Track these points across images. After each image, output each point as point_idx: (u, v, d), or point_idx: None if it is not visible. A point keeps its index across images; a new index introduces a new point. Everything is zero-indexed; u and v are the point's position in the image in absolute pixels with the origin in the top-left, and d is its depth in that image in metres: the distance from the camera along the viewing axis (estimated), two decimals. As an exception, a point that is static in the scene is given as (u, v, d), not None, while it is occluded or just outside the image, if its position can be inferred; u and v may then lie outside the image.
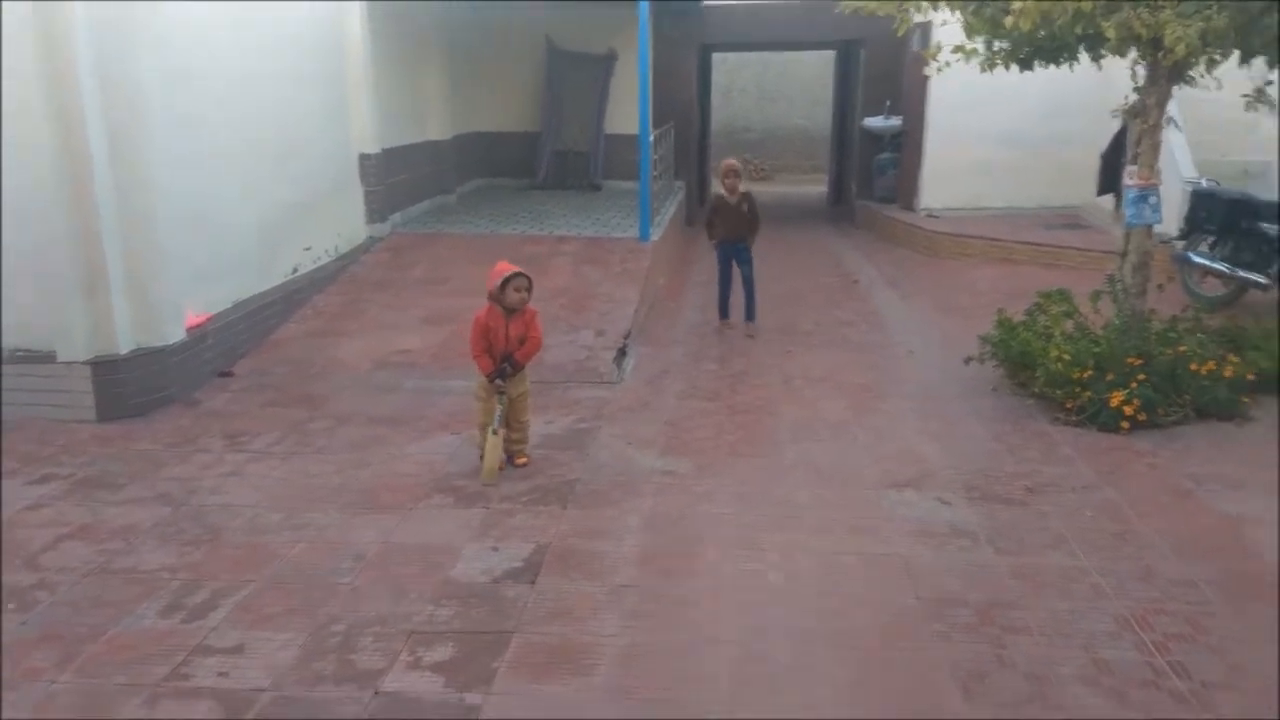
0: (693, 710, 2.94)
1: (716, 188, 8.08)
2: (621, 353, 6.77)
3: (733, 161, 7.96)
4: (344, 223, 8.97)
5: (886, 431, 5.46)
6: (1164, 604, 3.53)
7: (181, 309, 6.15)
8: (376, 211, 9.52)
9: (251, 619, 3.50)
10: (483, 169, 13.34)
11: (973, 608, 3.50)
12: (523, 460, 4.95)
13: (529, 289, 4.80)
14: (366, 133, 9.24)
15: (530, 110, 13.38)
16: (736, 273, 7.95)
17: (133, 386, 5.74)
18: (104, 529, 4.26)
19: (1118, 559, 3.86)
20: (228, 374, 6.57)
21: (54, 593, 3.70)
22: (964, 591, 3.62)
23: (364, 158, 9.28)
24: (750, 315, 7.90)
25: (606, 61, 13.07)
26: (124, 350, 5.72)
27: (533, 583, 3.72)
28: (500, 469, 4.79)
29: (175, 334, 6.04)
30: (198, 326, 6.32)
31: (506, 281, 4.70)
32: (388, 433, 5.49)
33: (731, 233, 7.81)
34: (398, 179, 10.07)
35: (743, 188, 7.81)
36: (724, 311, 8.07)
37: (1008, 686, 3.03)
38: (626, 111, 12.47)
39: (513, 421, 4.87)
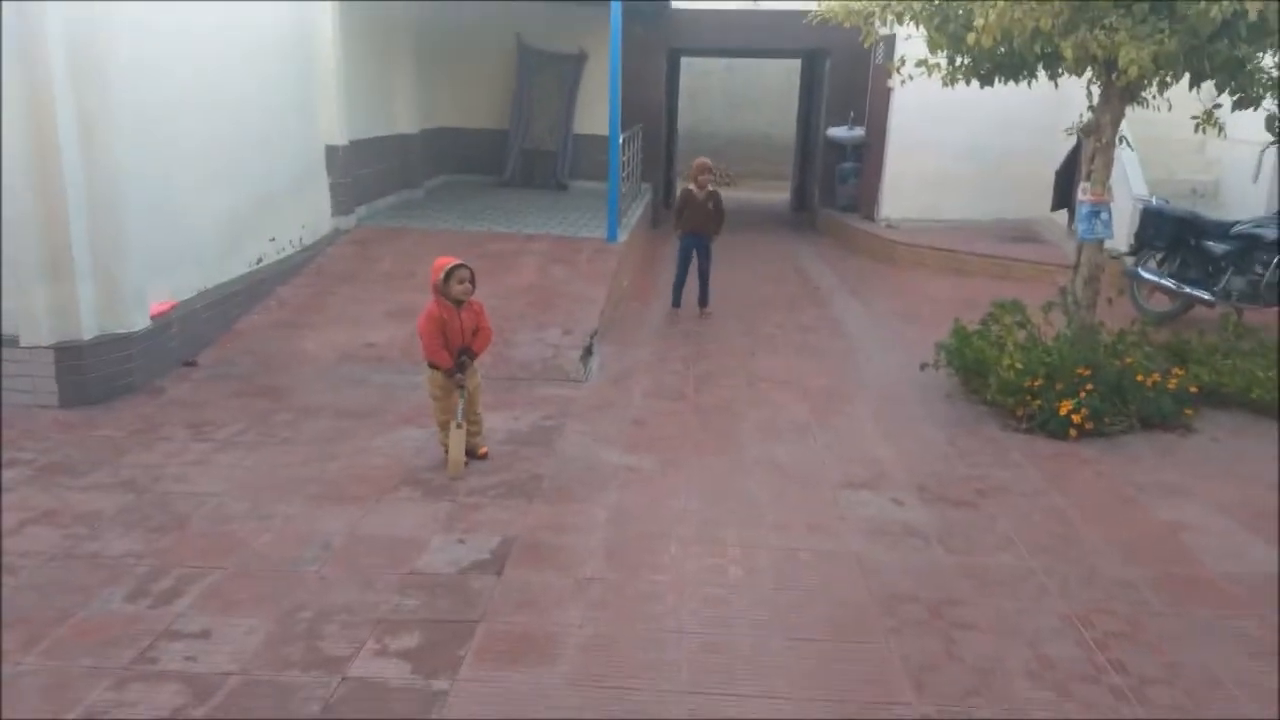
0: (654, 698, 3.03)
1: (687, 184, 8.54)
2: (588, 351, 6.85)
3: (705, 160, 8.53)
4: (309, 214, 8.95)
5: (845, 433, 5.61)
6: (1105, 604, 3.70)
7: (146, 296, 6.12)
8: (342, 204, 9.51)
9: (218, 605, 3.54)
10: (450, 164, 13.34)
11: (923, 604, 3.64)
12: (484, 451, 5.02)
13: (472, 280, 4.81)
14: (334, 125, 9.23)
15: (499, 107, 13.41)
16: (693, 266, 8.54)
17: (96, 373, 5.71)
18: (68, 514, 4.26)
19: (1063, 560, 4.03)
20: (191, 363, 6.54)
21: (18, 577, 3.70)
22: (915, 588, 3.76)
23: (331, 149, 9.26)
24: (704, 302, 8.59)
25: (576, 61, 13.14)
26: (88, 336, 5.69)
27: (499, 574, 3.79)
28: (465, 464, 4.86)
29: (140, 321, 6.02)
30: (162, 314, 6.29)
31: (449, 274, 4.72)
32: (354, 425, 5.52)
33: (697, 226, 8.42)
34: (364, 172, 10.05)
35: (711, 186, 8.36)
36: (677, 300, 8.68)
37: (956, 680, 3.17)
38: (595, 112, 12.57)
39: (469, 414, 4.93)
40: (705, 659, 3.25)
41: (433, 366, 4.84)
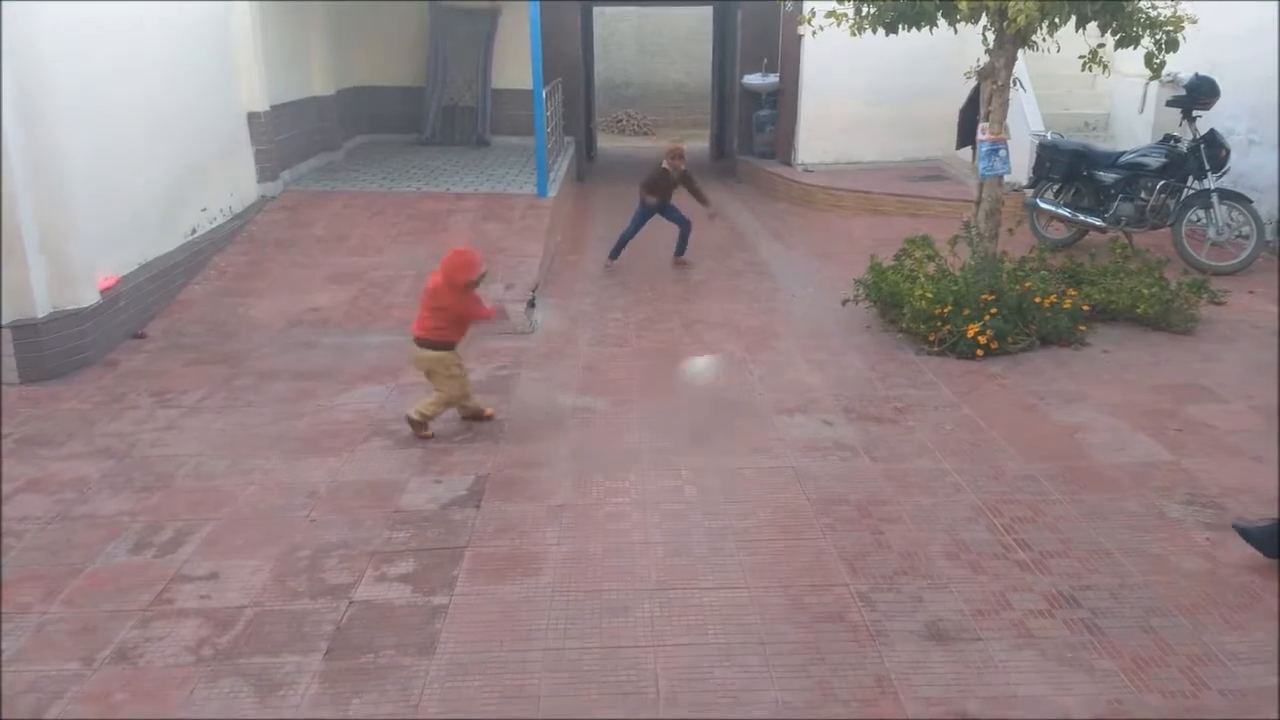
0: (629, 596, 3.46)
1: (662, 165, 8.86)
2: (531, 304, 7.17)
3: (679, 145, 9.05)
4: (236, 182, 9.01)
5: (777, 366, 6.08)
6: (1010, 495, 4.24)
7: (94, 272, 6.22)
8: (267, 170, 9.56)
9: (220, 551, 3.83)
10: (368, 124, 13.29)
11: (853, 505, 4.14)
12: (489, 412, 5.19)
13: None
14: (254, 91, 9.24)
15: (414, 65, 13.38)
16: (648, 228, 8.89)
17: (52, 349, 5.83)
18: (54, 482, 4.47)
19: (972, 462, 4.58)
20: (141, 335, 6.67)
21: (22, 540, 3.92)
22: (846, 493, 4.26)
23: (253, 116, 9.28)
24: (681, 252, 9.15)
25: (491, 16, 13.18)
26: (42, 314, 5.80)
27: (478, 507, 4.16)
28: (486, 416, 5.15)
29: (90, 297, 6.13)
30: (110, 288, 6.41)
31: (481, 276, 4.93)
32: (314, 386, 5.77)
33: (665, 198, 8.89)
34: (285, 136, 10.05)
35: (683, 167, 8.79)
36: (616, 253, 8.97)
37: (885, 562, 3.67)
38: (513, 66, 12.69)
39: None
40: (670, 562, 3.69)
41: (444, 347, 4.91)
